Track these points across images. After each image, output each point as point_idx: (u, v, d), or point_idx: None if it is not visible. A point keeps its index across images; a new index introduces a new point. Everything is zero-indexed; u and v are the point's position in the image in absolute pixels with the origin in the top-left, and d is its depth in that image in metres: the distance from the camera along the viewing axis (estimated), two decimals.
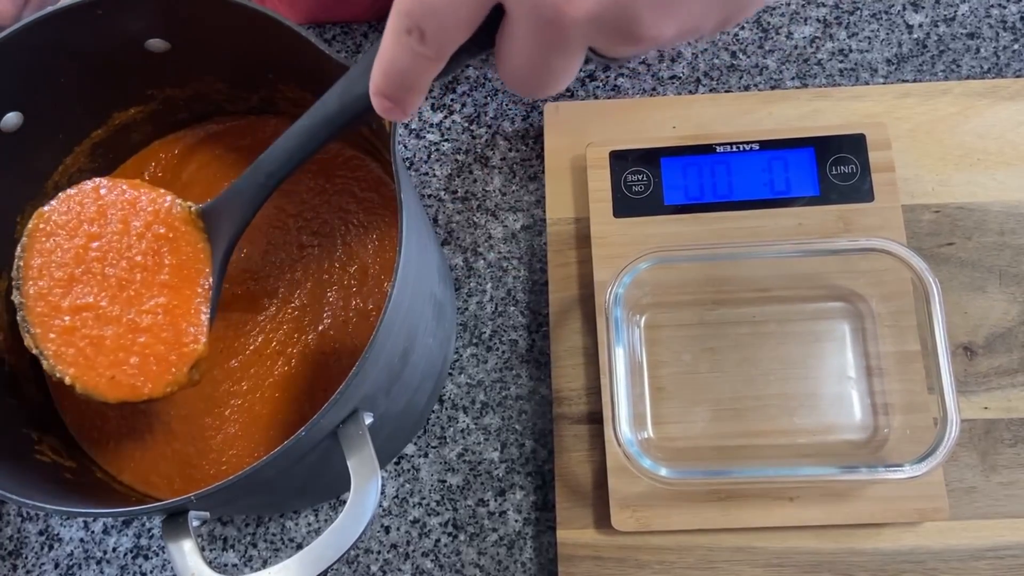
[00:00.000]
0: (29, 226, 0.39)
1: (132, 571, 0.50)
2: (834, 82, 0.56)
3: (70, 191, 0.39)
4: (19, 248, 0.38)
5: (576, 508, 0.47)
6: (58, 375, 0.37)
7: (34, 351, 0.38)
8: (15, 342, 0.46)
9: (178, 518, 0.35)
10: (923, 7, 0.57)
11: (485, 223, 0.54)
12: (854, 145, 0.50)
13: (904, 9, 0.57)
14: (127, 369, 0.38)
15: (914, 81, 0.55)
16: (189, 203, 0.40)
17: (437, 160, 0.56)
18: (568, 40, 0.27)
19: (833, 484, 0.45)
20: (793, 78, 0.56)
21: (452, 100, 0.57)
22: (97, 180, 0.40)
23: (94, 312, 0.38)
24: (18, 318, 0.38)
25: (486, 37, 0.28)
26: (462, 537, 0.49)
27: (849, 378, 0.47)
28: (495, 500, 0.50)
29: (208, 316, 0.39)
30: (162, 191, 0.40)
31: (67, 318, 0.38)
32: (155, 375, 0.38)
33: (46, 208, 0.39)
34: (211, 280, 0.39)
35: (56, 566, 0.50)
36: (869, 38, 0.57)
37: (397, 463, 0.51)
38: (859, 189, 0.50)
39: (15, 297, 0.38)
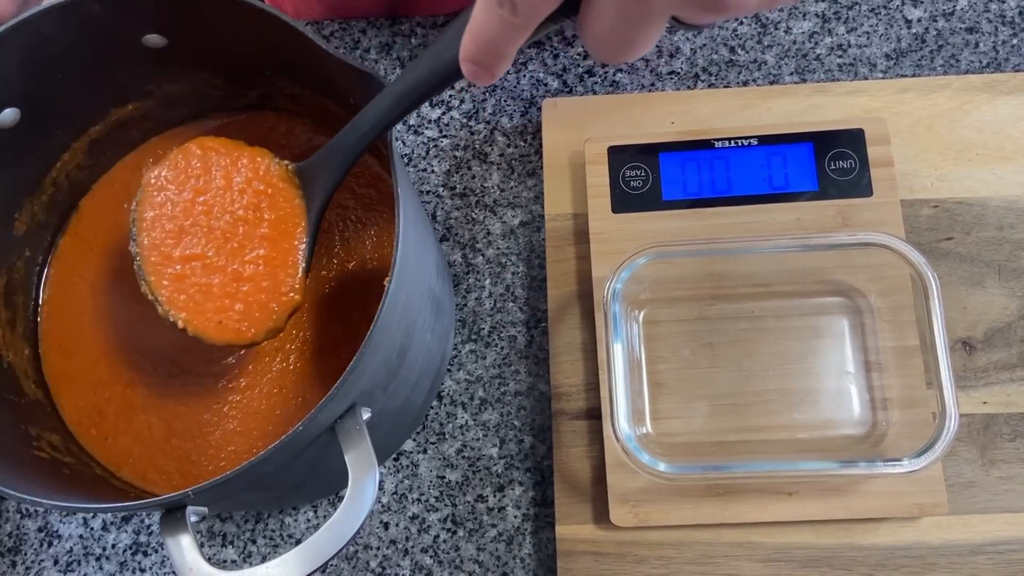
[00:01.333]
0: (143, 181, 0.42)
1: (131, 567, 0.50)
2: (833, 77, 0.56)
3: (177, 150, 0.42)
4: (134, 203, 0.41)
5: (575, 504, 0.47)
6: (171, 319, 0.40)
7: (150, 297, 0.40)
8: (14, 339, 0.46)
9: (176, 513, 0.35)
10: (922, 2, 0.57)
11: (483, 219, 0.54)
12: (853, 140, 0.50)
13: (903, 4, 0.57)
14: (233, 315, 0.40)
15: (913, 76, 0.55)
16: (286, 162, 0.42)
17: (435, 156, 0.56)
18: (652, 11, 0.28)
19: (832, 479, 0.45)
20: (792, 73, 0.56)
21: (450, 96, 0.57)
22: (202, 140, 0.42)
23: (202, 262, 0.40)
24: (135, 267, 0.41)
25: (571, 4, 0.29)
26: (461, 533, 0.49)
27: (848, 373, 0.47)
28: (494, 496, 0.50)
29: (304, 268, 0.41)
30: (261, 150, 0.42)
31: (178, 267, 0.40)
32: (258, 321, 0.40)
33: (157, 169, 0.42)
34: (306, 234, 0.41)
35: (56, 562, 0.50)
36: (868, 33, 0.56)
37: (396, 459, 0.51)
38: (858, 184, 0.50)
39: (132, 248, 0.41)
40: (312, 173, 0.41)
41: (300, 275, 0.41)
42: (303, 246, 0.41)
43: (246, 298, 0.40)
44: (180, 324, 0.40)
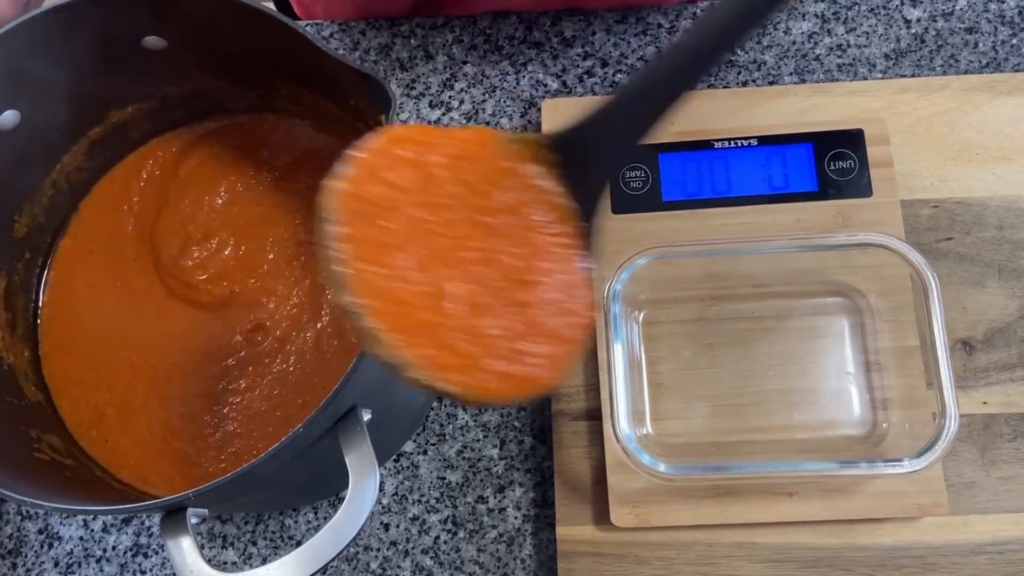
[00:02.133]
0: (328, 205, 0.28)
1: (132, 569, 0.50)
2: (832, 77, 0.56)
3: (363, 155, 0.29)
4: (327, 236, 0.28)
5: (575, 505, 0.47)
6: (440, 387, 0.27)
7: (392, 362, 0.27)
8: (14, 341, 0.46)
9: (176, 515, 0.35)
10: (921, 2, 0.57)
11: None
12: (852, 140, 0.50)
13: (902, 4, 0.57)
14: (527, 359, 0.29)
15: (912, 76, 0.55)
16: (531, 134, 0.31)
17: None
18: None
19: (832, 479, 0.45)
20: (791, 74, 0.56)
21: (450, 97, 0.57)
22: (395, 130, 0.30)
23: (464, 302, 0.28)
24: (356, 325, 0.27)
25: None
26: (462, 534, 0.49)
27: (848, 373, 0.47)
28: (494, 497, 0.50)
29: (591, 271, 0.31)
30: (481, 128, 0.33)
31: (427, 313, 0.28)
32: (555, 359, 0.29)
33: (345, 185, 0.28)
34: (585, 230, 0.30)
35: (56, 564, 0.50)
36: (867, 33, 0.56)
37: (396, 460, 0.51)
38: (857, 184, 0.50)
39: (344, 298, 0.27)
40: (582, 141, 0.30)
41: (590, 284, 0.30)
42: (585, 243, 0.30)
43: (535, 332, 0.29)
44: (451, 390, 0.27)
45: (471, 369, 0.28)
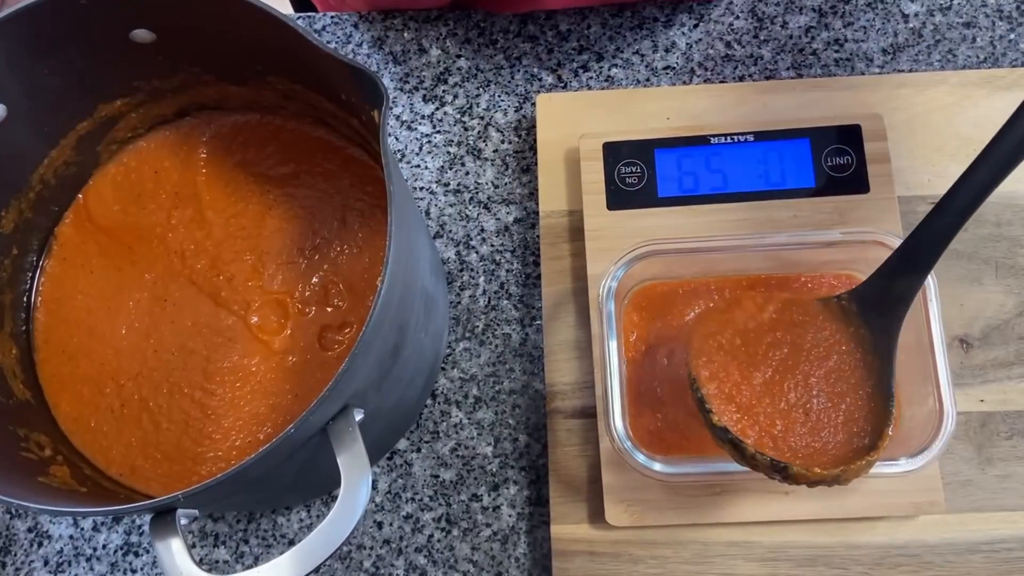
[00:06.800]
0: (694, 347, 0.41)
1: (122, 568, 0.49)
2: (829, 72, 0.55)
3: (705, 342, 0.41)
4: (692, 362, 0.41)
5: (570, 503, 0.47)
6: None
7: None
8: (1, 338, 0.45)
9: (166, 516, 0.34)
10: None
11: (477, 216, 0.54)
12: (850, 136, 0.50)
13: None
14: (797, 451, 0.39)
15: (910, 71, 0.55)
16: (836, 296, 0.41)
17: (429, 152, 0.55)
18: None
19: None
20: (788, 68, 0.55)
21: (444, 91, 0.56)
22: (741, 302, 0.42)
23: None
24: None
25: None
26: (455, 532, 0.49)
27: None
28: (489, 495, 0.49)
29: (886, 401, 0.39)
30: (793, 297, 0.42)
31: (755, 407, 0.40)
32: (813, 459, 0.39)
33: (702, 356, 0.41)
34: (877, 365, 0.40)
35: (46, 563, 0.50)
36: (865, 28, 0.56)
37: (390, 458, 0.50)
38: (855, 180, 0.49)
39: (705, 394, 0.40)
40: (876, 296, 0.40)
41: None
42: (879, 378, 0.40)
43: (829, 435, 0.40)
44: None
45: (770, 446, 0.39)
